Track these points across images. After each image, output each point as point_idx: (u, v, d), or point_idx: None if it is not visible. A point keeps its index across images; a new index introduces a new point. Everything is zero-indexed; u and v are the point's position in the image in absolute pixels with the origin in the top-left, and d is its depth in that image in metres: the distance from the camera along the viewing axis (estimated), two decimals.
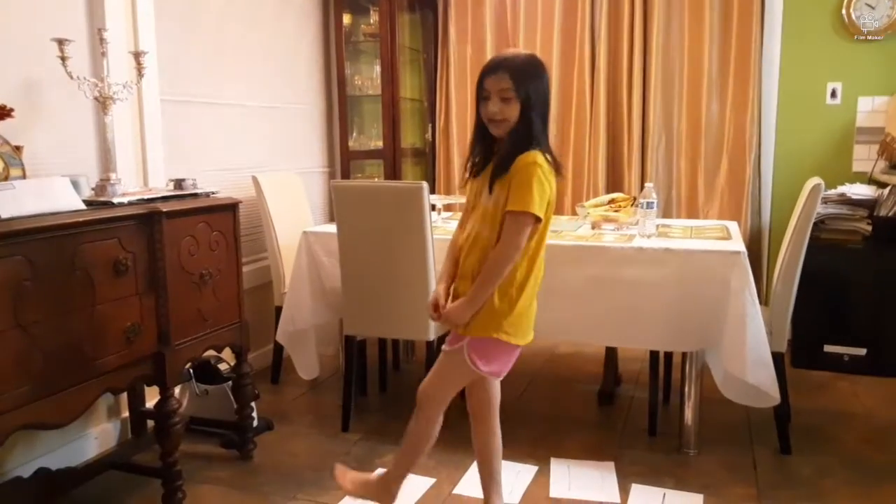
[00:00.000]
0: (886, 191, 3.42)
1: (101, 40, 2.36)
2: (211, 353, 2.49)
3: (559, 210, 4.18)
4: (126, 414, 2.73)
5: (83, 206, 2.06)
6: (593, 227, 2.94)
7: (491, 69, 1.79)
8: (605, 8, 3.96)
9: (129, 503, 2.36)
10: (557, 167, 1.83)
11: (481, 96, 1.81)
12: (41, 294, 1.79)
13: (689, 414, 2.65)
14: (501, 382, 2.07)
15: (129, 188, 2.45)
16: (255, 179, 3.33)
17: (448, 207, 3.70)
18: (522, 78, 1.77)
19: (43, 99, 2.40)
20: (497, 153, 1.84)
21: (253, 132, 3.58)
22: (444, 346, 1.97)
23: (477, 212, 1.87)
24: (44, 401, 1.81)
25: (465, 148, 4.33)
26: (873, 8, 3.63)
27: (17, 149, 2.14)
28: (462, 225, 1.96)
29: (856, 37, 3.68)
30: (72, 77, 2.23)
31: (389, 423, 2.98)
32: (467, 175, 1.93)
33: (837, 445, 2.70)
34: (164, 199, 2.29)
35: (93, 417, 2.63)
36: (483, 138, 1.87)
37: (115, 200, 2.16)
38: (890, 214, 3.37)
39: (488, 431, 2.09)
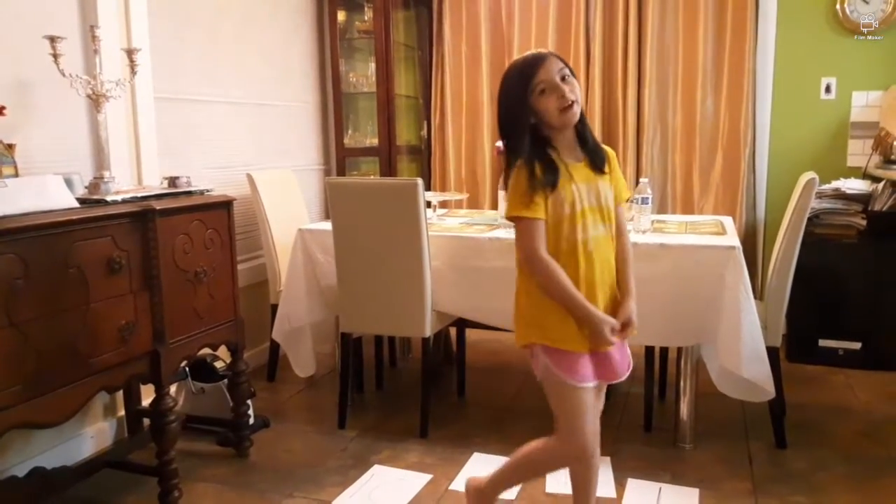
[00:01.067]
0: (881, 185, 3.43)
1: (94, 37, 2.35)
2: (206, 351, 2.48)
3: None
4: (122, 413, 2.72)
5: (76, 205, 2.05)
6: None
7: (537, 61, 1.64)
8: (600, 3, 3.95)
9: (126, 502, 2.35)
10: None
11: (532, 96, 1.64)
12: (34, 292, 1.79)
13: (684, 409, 2.65)
14: (499, 379, 2.05)
15: (122, 186, 2.45)
16: (249, 177, 3.32)
17: (443, 204, 3.70)
18: (564, 60, 1.68)
19: (35, 97, 2.39)
20: (585, 145, 1.71)
21: (247, 130, 3.57)
22: (621, 374, 1.79)
23: (589, 216, 1.68)
24: (38, 400, 1.81)
25: (460, 145, 4.35)
26: (867, 3, 3.63)
27: (10, 147, 2.14)
28: (547, 248, 1.69)
29: (850, 32, 3.68)
30: (64, 74, 2.22)
31: (386, 419, 2.98)
32: (541, 190, 1.65)
33: (832, 439, 2.71)
34: (158, 196, 2.28)
35: (88, 416, 2.63)
36: (534, 144, 1.68)
37: (109, 198, 2.15)
38: (884, 209, 3.37)
39: None
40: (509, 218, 1.70)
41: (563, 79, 1.63)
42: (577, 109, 1.64)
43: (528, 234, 1.67)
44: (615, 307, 1.75)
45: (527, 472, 2.02)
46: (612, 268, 1.76)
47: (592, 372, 1.73)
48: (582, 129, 1.71)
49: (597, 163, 1.71)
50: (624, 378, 1.79)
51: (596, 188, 1.70)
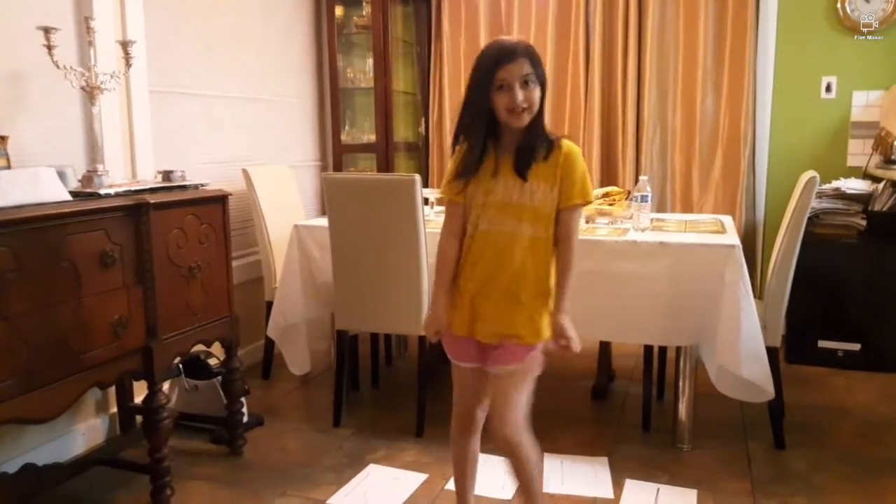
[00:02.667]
0: (881, 185, 3.42)
1: (88, 29, 2.33)
2: (200, 347, 2.46)
3: None
4: (114, 409, 2.69)
5: (69, 198, 2.02)
6: (587, 221, 2.92)
7: (506, 56, 1.63)
8: (600, 2, 3.94)
9: (117, 499, 2.33)
10: None
11: (492, 87, 1.64)
12: (26, 286, 1.76)
13: (683, 409, 2.63)
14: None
15: (116, 179, 2.42)
16: (245, 172, 3.29)
17: (441, 201, 3.67)
18: (537, 61, 1.67)
19: (29, 88, 2.36)
20: (522, 144, 1.70)
21: (243, 124, 3.54)
22: (498, 369, 1.76)
23: (505, 211, 1.70)
24: (29, 395, 1.78)
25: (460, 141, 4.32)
26: (868, 2, 3.61)
27: (2, 139, 2.11)
28: (454, 232, 1.79)
29: (850, 31, 3.67)
30: (58, 66, 2.19)
31: (381, 417, 2.96)
32: (462, 176, 1.73)
33: (831, 440, 2.69)
34: (152, 190, 2.26)
35: (80, 413, 2.60)
36: (482, 133, 1.70)
37: (102, 192, 2.12)
38: (884, 209, 3.36)
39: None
40: (585, 203, 1.75)
41: (524, 83, 1.63)
42: (525, 116, 1.65)
43: (446, 214, 1.81)
44: (510, 309, 1.73)
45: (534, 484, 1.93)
46: (518, 270, 1.71)
47: (467, 353, 1.81)
48: (528, 134, 1.69)
49: (520, 166, 1.69)
50: (493, 371, 1.77)
51: (522, 186, 1.69)
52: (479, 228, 1.73)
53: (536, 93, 1.65)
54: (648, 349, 2.85)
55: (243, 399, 2.68)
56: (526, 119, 1.66)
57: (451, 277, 1.79)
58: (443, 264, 1.80)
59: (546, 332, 1.74)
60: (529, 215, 1.70)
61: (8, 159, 2.10)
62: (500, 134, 1.72)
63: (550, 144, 1.71)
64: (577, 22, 4.01)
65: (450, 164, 1.80)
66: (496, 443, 1.80)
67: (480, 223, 1.73)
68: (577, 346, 1.72)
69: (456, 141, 1.76)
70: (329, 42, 4.14)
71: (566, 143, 1.72)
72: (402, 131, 4.42)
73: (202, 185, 2.45)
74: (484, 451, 2.65)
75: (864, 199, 3.43)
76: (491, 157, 1.72)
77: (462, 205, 1.76)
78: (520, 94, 1.63)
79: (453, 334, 1.81)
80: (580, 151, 1.75)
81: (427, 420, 2.77)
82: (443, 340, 1.85)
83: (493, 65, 1.65)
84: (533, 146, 1.69)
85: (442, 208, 3.47)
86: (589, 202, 1.76)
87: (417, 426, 2.76)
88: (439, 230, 2.83)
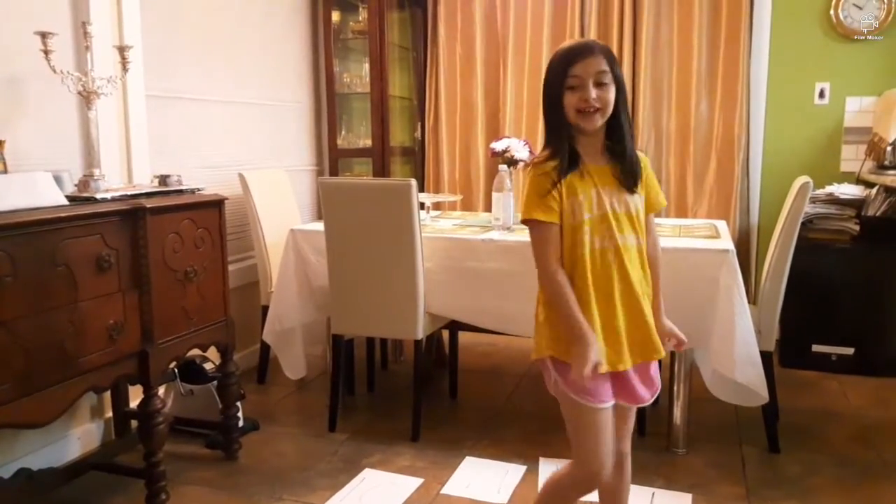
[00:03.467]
0: (874, 191, 3.43)
1: (86, 34, 2.33)
2: (196, 352, 2.46)
3: None
4: (109, 414, 2.69)
5: (65, 202, 2.02)
6: None
7: (579, 53, 1.53)
8: (595, 7, 3.96)
9: None
10: None
11: (565, 87, 1.54)
12: (22, 290, 1.76)
13: (677, 413, 2.64)
14: (492, 382, 2.00)
15: (112, 184, 2.42)
16: (241, 177, 3.30)
17: (437, 206, 3.68)
18: (613, 60, 1.56)
19: (26, 93, 2.36)
20: (617, 152, 1.59)
21: (240, 129, 3.55)
22: (646, 397, 1.66)
23: (615, 223, 1.57)
24: (24, 399, 1.78)
25: (454, 147, 4.34)
26: (861, 8, 3.64)
27: None
28: (559, 257, 1.59)
29: (844, 37, 3.70)
30: (55, 71, 2.20)
31: (377, 422, 2.96)
32: (557, 182, 1.56)
33: (825, 444, 2.70)
34: (149, 195, 2.26)
35: (75, 417, 2.60)
36: (566, 141, 1.58)
37: (99, 196, 2.12)
38: (878, 214, 3.38)
39: None
40: (524, 221, 1.60)
41: (598, 83, 1.52)
42: (597, 118, 1.54)
43: (539, 242, 1.59)
44: (642, 326, 1.61)
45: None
46: (637, 283, 1.60)
47: (609, 391, 1.60)
48: (615, 139, 1.59)
49: (625, 176, 1.58)
50: (647, 403, 1.68)
51: (621, 194, 1.59)
52: (593, 247, 1.57)
53: (612, 93, 1.54)
54: None
55: (239, 404, 2.68)
56: (598, 121, 1.55)
57: (578, 306, 1.57)
58: (567, 295, 1.55)
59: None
60: (633, 225, 1.60)
61: (4, 163, 2.10)
62: (576, 141, 1.59)
63: (636, 154, 1.63)
64: (572, 28, 4.02)
65: (531, 182, 1.59)
66: (617, 456, 1.68)
67: (593, 241, 1.56)
68: (685, 341, 1.72)
69: (555, 152, 1.58)
70: (325, 47, 4.15)
71: (640, 153, 1.66)
72: (398, 136, 4.43)
73: (198, 190, 2.45)
74: (480, 455, 2.66)
75: (857, 204, 3.45)
76: (579, 168, 1.57)
77: (558, 225, 1.58)
78: (593, 92, 1.52)
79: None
80: None
81: (423, 424, 2.78)
82: (571, 385, 1.58)
83: (566, 62, 1.54)
84: (633, 155, 1.60)
85: (438, 213, 3.49)
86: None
87: (413, 431, 2.76)
88: (435, 235, 2.85)
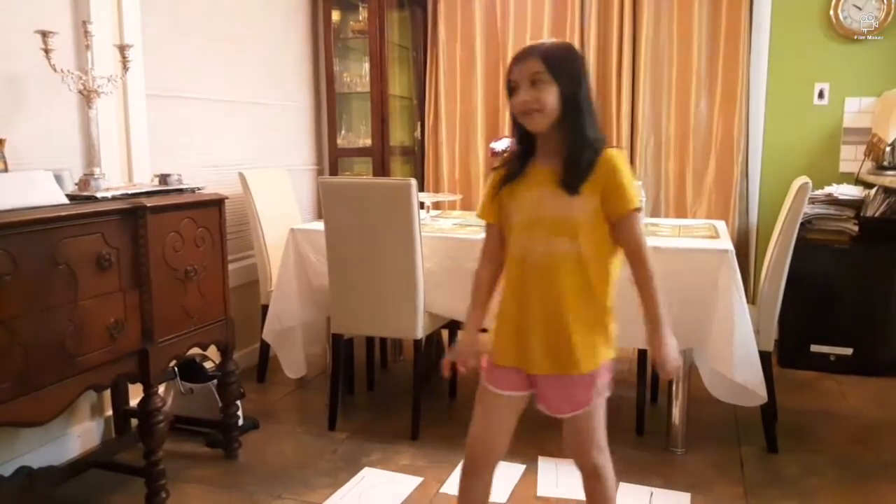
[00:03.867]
0: (873, 191, 3.44)
1: (86, 33, 2.34)
2: (196, 350, 2.46)
3: None
4: (109, 412, 2.70)
5: (66, 201, 2.03)
6: None
7: (516, 58, 1.55)
8: (595, 8, 3.96)
9: (112, 502, 2.33)
10: None
11: (508, 89, 1.57)
12: (22, 289, 1.76)
13: (676, 413, 2.65)
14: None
15: (113, 183, 2.42)
16: (241, 176, 3.30)
17: (437, 205, 3.68)
18: (556, 61, 1.52)
19: (26, 92, 2.36)
20: (567, 155, 1.53)
21: (240, 128, 3.55)
22: (567, 415, 1.63)
23: (545, 228, 1.54)
24: (25, 398, 1.79)
25: (454, 146, 4.35)
26: (860, 9, 3.64)
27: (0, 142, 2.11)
28: (489, 256, 1.68)
29: (843, 37, 3.70)
30: (56, 70, 2.20)
31: (377, 421, 2.96)
32: (499, 184, 1.61)
33: (824, 444, 2.71)
34: (149, 194, 2.26)
35: (75, 416, 2.60)
36: (522, 141, 1.60)
37: (99, 195, 2.13)
38: (876, 215, 3.39)
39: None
40: (638, 209, 1.56)
41: (533, 83, 1.50)
42: (536, 118, 1.51)
43: (484, 237, 1.71)
44: (561, 339, 1.55)
45: None
46: (564, 293, 1.53)
47: (511, 382, 1.62)
48: (570, 141, 1.53)
49: (568, 179, 1.51)
50: (563, 416, 1.63)
51: (558, 198, 1.52)
52: (517, 250, 1.58)
53: (551, 93, 1.50)
54: (642, 353, 2.86)
55: (238, 402, 2.68)
56: (539, 120, 1.52)
57: (484, 301, 1.68)
58: (476, 288, 1.69)
59: (607, 353, 1.60)
60: (568, 231, 1.52)
61: (5, 162, 2.11)
62: (535, 142, 1.58)
63: (594, 153, 1.53)
64: (571, 28, 4.03)
65: (487, 183, 1.67)
66: (579, 469, 1.71)
67: (520, 243, 1.57)
68: (671, 373, 1.58)
69: (513, 152, 1.64)
70: (326, 46, 4.15)
71: (608, 151, 1.55)
72: (398, 136, 4.43)
73: (199, 189, 2.46)
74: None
75: (856, 205, 3.45)
76: (528, 170, 1.58)
77: (495, 226, 1.65)
78: (526, 94, 1.51)
79: (498, 365, 1.63)
80: (623, 157, 1.57)
81: (422, 424, 2.78)
82: (486, 367, 1.66)
83: (508, 67, 1.57)
84: (579, 154, 1.52)
85: (437, 212, 3.50)
86: (639, 208, 1.56)
87: (412, 430, 2.76)
88: (434, 234, 2.86)
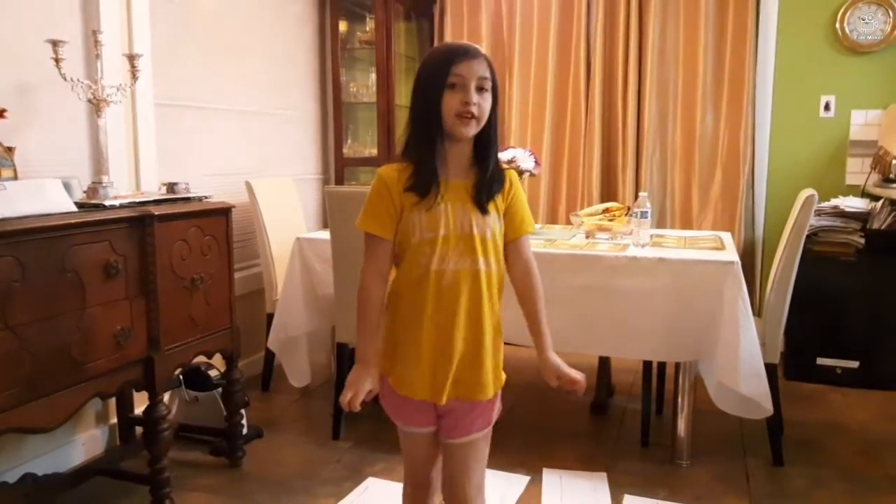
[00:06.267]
0: (879, 204, 3.43)
1: (96, 42, 2.35)
2: (201, 359, 2.47)
3: (553, 219, 4.19)
4: (114, 420, 2.70)
5: (74, 208, 2.04)
6: (587, 236, 2.94)
7: (463, 53, 1.42)
8: (601, 19, 3.98)
9: None
10: None
11: (443, 84, 1.42)
12: (31, 296, 1.77)
13: (682, 425, 2.64)
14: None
15: (121, 191, 2.44)
16: (248, 185, 3.31)
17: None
18: (492, 68, 1.45)
19: (36, 100, 2.38)
20: (484, 168, 1.47)
21: (247, 138, 3.57)
22: (464, 438, 1.55)
23: (463, 245, 1.45)
24: (32, 404, 1.79)
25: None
26: (867, 21, 3.65)
27: (9, 150, 2.13)
28: (382, 272, 1.49)
29: (849, 50, 3.71)
30: (65, 79, 2.22)
31: (381, 431, 2.96)
32: (395, 196, 1.45)
33: (830, 457, 2.70)
34: (157, 202, 2.27)
35: (81, 423, 2.60)
36: (433, 149, 1.44)
37: (107, 203, 2.14)
38: (883, 227, 3.38)
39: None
40: (360, 229, 1.49)
41: (479, 88, 1.42)
42: (473, 125, 1.42)
43: (367, 253, 1.50)
44: (474, 360, 1.49)
45: None
46: (482, 313, 1.48)
47: (424, 416, 1.54)
48: (479, 153, 1.48)
49: (482, 193, 1.46)
50: (471, 436, 1.54)
51: (473, 215, 1.46)
52: (431, 268, 1.44)
53: (489, 102, 1.44)
54: (647, 365, 2.86)
55: (243, 411, 2.68)
56: (473, 128, 1.43)
57: (377, 325, 1.50)
58: (370, 310, 1.48)
59: (503, 376, 1.57)
60: (487, 248, 1.47)
61: (15, 170, 2.12)
62: (445, 150, 1.46)
63: (502, 171, 1.51)
64: (578, 39, 4.05)
65: (373, 187, 1.49)
66: None
67: (433, 262, 1.44)
68: (583, 382, 1.52)
69: (420, 158, 1.46)
70: (332, 57, 4.17)
71: (509, 170, 1.54)
72: None
73: (206, 198, 2.47)
74: (489, 465, 2.65)
75: (862, 217, 3.45)
76: (437, 182, 1.44)
77: (389, 242, 1.48)
78: (473, 96, 1.41)
79: (406, 397, 1.52)
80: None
81: None
82: (385, 402, 1.57)
83: (450, 60, 1.42)
84: (497, 170, 1.49)
85: None
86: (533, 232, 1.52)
87: None
88: None
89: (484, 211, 1.46)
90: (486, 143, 1.48)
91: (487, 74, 1.43)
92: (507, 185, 1.51)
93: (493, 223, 1.48)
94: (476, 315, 1.48)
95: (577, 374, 1.52)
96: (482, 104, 1.43)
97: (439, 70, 1.43)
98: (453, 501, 1.59)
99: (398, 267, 1.50)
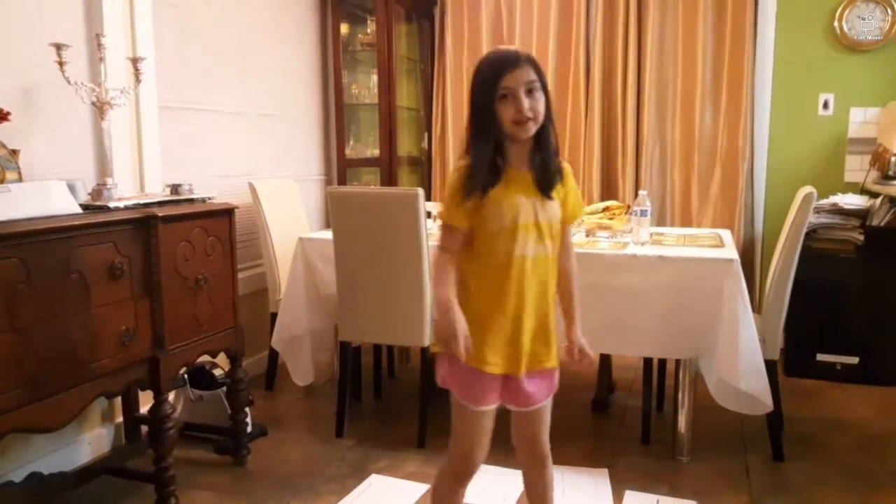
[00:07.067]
0: (878, 201, 3.45)
1: (100, 46, 2.38)
2: (206, 358, 2.49)
3: None
4: (120, 419, 2.72)
5: (79, 210, 2.06)
6: (587, 235, 2.95)
7: (510, 63, 1.53)
8: (601, 18, 4.00)
9: None
10: None
11: (496, 97, 1.53)
12: (36, 297, 1.79)
13: (682, 421, 2.65)
14: None
15: (125, 193, 2.46)
16: (251, 186, 3.34)
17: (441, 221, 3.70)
18: (540, 69, 1.56)
19: (40, 103, 2.40)
20: (544, 160, 1.60)
21: (250, 139, 3.59)
22: (539, 404, 1.71)
23: (535, 232, 1.59)
24: (38, 404, 1.81)
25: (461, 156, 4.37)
26: (865, 20, 3.66)
27: (14, 152, 2.15)
28: (452, 250, 1.61)
29: (848, 48, 3.72)
30: (70, 82, 2.24)
31: (384, 428, 2.98)
32: (469, 197, 1.56)
33: (830, 453, 2.71)
34: (161, 203, 2.29)
35: (86, 422, 2.63)
36: (491, 148, 1.57)
37: (112, 205, 2.16)
38: (882, 224, 3.39)
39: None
40: (446, 222, 1.61)
41: (529, 91, 1.53)
42: (531, 127, 1.54)
43: (445, 237, 1.62)
44: (545, 334, 1.65)
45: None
46: (548, 292, 1.65)
47: (493, 395, 1.66)
48: (540, 147, 1.60)
49: (544, 184, 1.60)
50: (540, 405, 1.72)
51: (539, 204, 1.60)
52: (514, 255, 1.58)
53: (542, 102, 1.55)
54: (648, 362, 2.87)
55: (247, 409, 2.70)
56: (532, 129, 1.55)
57: (452, 282, 1.60)
58: (447, 272, 1.59)
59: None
60: (551, 234, 1.62)
61: (19, 172, 2.14)
62: (506, 148, 1.59)
63: (559, 161, 1.65)
64: (577, 38, 4.06)
65: (450, 186, 1.60)
66: (532, 462, 1.80)
67: (515, 249, 1.58)
68: (591, 358, 1.75)
69: (480, 161, 1.58)
70: (335, 59, 4.19)
71: (563, 161, 1.69)
72: (406, 146, 4.47)
73: (209, 199, 2.49)
74: (486, 461, 2.67)
75: (861, 215, 3.46)
76: (504, 175, 1.58)
77: (462, 231, 1.60)
78: (526, 102, 1.52)
79: (480, 376, 1.62)
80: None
81: (429, 431, 2.79)
82: (460, 383, 1.66)
83: (496, 73, 1.54)
84: (555, 162, 1.62)
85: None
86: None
87: (419, 437, 2.78)
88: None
89: (549, 199, 1.62)
90: (546, 137, 1.60)
91: (534, 77, 1.54)
92: (565, 176, 1.67)
93: (556, 210, 1.64)
94: (544, 294, 1.64)
95: (590, 352, 1.74)
96: (535, 106, 1.54)
97: (489, 84, 1.55)
98: (536, 457, 1.78)
99: (473, 253, 1.62)
